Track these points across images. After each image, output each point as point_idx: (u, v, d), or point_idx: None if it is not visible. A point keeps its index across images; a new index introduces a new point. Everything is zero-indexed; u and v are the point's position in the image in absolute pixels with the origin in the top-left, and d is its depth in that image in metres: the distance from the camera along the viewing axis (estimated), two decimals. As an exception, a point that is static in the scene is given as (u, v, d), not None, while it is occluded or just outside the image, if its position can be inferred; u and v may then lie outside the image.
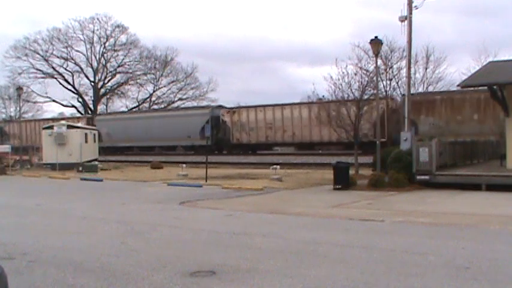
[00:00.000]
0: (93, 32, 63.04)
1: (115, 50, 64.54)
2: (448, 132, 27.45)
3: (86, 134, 36.45)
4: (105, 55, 64.79)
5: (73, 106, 66.89)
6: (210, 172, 24.47)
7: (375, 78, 24.08)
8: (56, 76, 64.31)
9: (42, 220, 12.77)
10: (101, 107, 66.23)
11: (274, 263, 7.50)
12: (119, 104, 68.46)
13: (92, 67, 64.79)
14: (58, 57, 63.54)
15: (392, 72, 35.56)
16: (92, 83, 65.27)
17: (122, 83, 66.79)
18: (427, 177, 18.61)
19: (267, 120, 39.21)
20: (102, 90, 66.36)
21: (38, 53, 62.46)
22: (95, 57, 64.70)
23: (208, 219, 12.58)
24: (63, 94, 71.19)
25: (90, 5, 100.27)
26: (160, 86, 67.39)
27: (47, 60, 63.09)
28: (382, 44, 22.54)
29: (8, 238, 9.98)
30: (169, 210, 14.41)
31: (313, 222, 11.82)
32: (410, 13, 20.98)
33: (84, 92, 66.12)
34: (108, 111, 64.64)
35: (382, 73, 33.96)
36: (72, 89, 65.27)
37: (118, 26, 63.19)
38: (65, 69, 64.46)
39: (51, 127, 35.36)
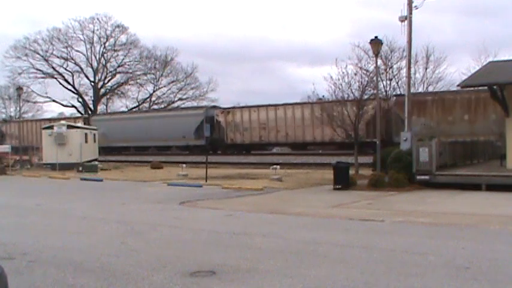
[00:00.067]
0: (93, 32, 63.15)
1: (115, 50, 64.58)
2: (439, 132, 27.44)
3: (86, 134, 36.42)
4: (105, 55, 64.87)
5: (73, 106, 66.96)
6: (210, 172, 24.48)
7: (374, 78, 24.11)
8: (56, 76, 64.34)
9: (42, 220, 12.77)
10: (101, 107, 66.33)
11: (274, 263, 7.50)
12: (119, 104, 68.61)
13: (92, 67, 64.85)
14: (58, 57, 63.62)
15: (392, 72, 35.73)
16: (92, 83, 65.28)
17: (122, 83, 66.77)
18: (427, 177, 18.61)
19: (261, 120, 39.24)
20: (102, 90, 66.34)
21: (38, 53, 62.49)
22: (95, 57, 64.81)
23: (208, 219, 12.58)
24: (63, 94, 71.45)
25: (90, 5, 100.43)
26: (160, 86, 67.48)
27: (47, 60, 63.11)
28: (382, 44, 22.56)
29: (8, 238, 9.99)
30: (169, 210, 14.41)
31: (313, 222, 11.82)
32: (410, 13, 20.97)
33: (84, 92, 66.25)
34: (108, 111, 64.66)
35: (382, 73, 34.11)
36: (72, 89, 65.34)
37: (118, 26, 63.30)
38: (65, 69, 64.56)
39: (51, 127, 35.33)
